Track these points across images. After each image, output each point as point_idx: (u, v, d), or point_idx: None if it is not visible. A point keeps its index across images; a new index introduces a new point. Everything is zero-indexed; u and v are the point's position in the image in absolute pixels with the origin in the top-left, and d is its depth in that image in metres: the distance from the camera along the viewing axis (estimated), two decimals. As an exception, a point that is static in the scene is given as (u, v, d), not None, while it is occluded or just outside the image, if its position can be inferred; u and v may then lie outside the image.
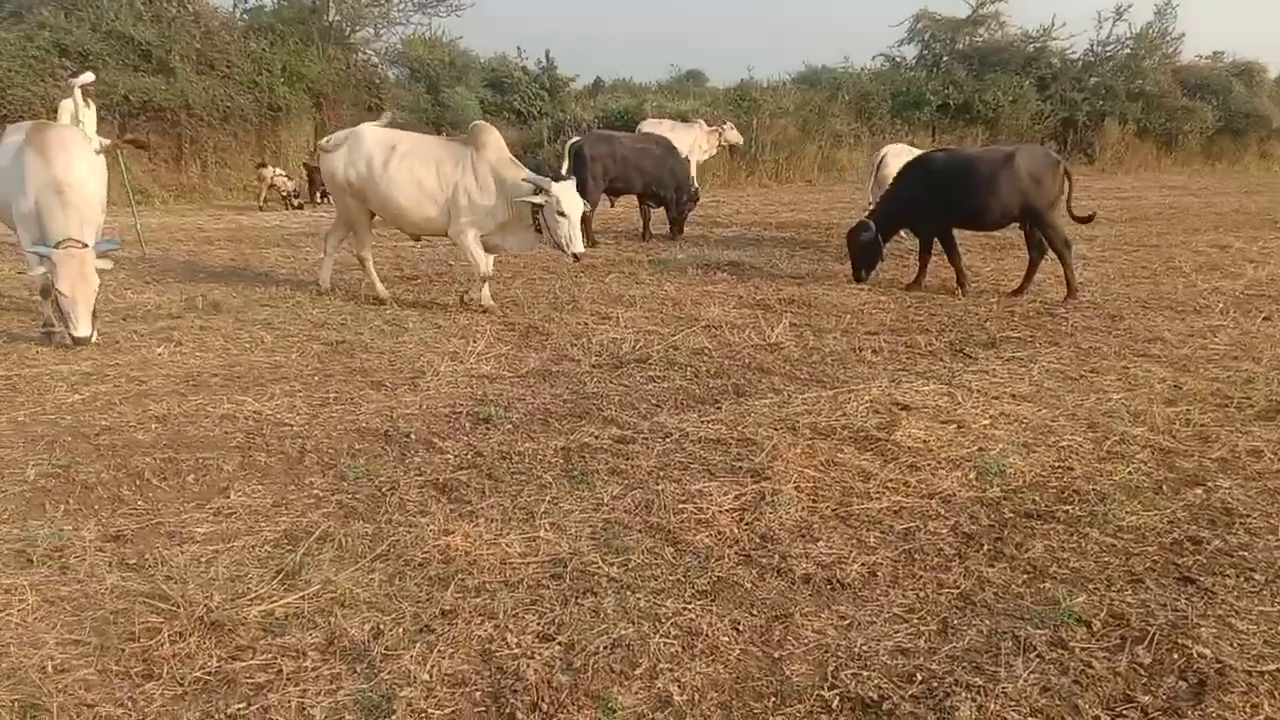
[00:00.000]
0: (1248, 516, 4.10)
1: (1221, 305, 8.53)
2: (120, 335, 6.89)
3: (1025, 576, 3.54)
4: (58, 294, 6.37)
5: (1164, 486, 4.42)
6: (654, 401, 5.65)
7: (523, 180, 7.55)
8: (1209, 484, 4.45)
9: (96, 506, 4.08)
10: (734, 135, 19.01)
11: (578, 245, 7.53)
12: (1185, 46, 31.06)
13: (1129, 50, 29.74)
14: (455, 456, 4.68)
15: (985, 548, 3.77)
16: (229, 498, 4.19)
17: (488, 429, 5.09)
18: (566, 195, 7.39)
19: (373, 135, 8.06)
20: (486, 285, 8.07)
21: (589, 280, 9.57)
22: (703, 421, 5.26)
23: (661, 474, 4.48)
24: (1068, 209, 8.87)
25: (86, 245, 6.41)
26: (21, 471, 4.39)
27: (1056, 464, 4.68)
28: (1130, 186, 17.50)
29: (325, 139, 8.50)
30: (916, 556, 3.71)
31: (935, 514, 4.10)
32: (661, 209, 12.90)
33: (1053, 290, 9.23)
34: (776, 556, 3.67)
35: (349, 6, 21.12)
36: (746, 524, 3.97)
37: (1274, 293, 9.16)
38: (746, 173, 22.67)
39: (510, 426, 5.13)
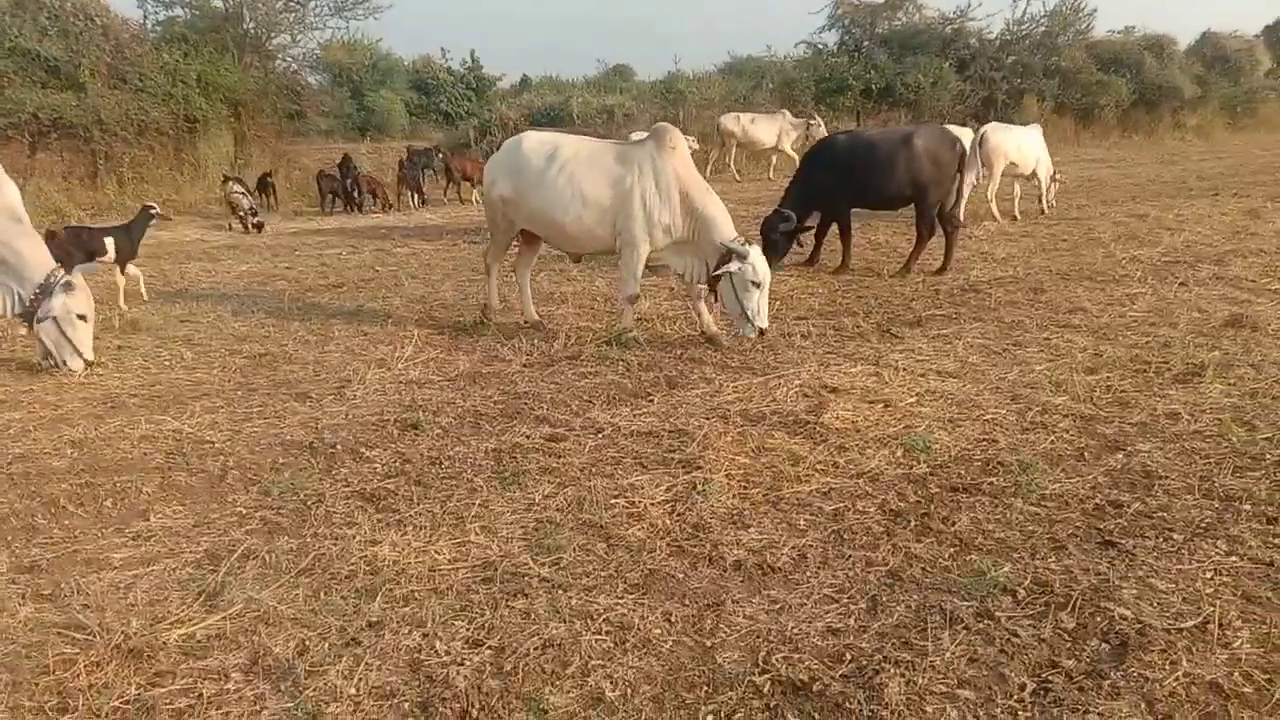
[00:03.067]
0: (1166, 478, 4.21)
1: (1139, 273, 8.75)
2: (35, 359, 6.66)
3: (952, 550, 3.59)
4: (73, 321, 6.24)
5: (1085, 453, 4.52)
6: (586, 398, 5.62)
7: (718, 243, 6.60)
8: (1129, 449, 4.56)
9: (9, 537, 3.93)
10: (820, 131, 19.04)
11: (764, 319, 6.55)
12: (1098, 22, 31.94)
13: (1044, 28, 30.52)
14: (383, 465, 4.60)
15: (912, 524, 3.82)
16: (148, 520, 4.07)
17: (416, 435, 5.01)
18: (762, 263, 6.52)
19: (531, 141, 7.17)
20: (633, 310, 7.07)
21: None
22: (635, 415, 5.25)
23: (594, 470, 4.46)
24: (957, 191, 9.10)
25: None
26: (-73, 507, 4.22)
27: (981, 437, 4.76)
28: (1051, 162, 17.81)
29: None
30: (845, 537, 3.74)
31: (863, 493, 4.14)
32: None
33: (976, 267, 9.40)
34: (708, 545, 3.68)
35: (263, 14, 20.68)
36: (678, 515, 3.97)
37: (1189, 259, 9.43)
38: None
39: (439, 431, 5.06)
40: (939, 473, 4.34)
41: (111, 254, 8.34)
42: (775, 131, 19.58)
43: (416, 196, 17.31)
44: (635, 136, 7.75)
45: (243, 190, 14.34)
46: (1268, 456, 4.39)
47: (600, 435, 4.92)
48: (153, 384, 6.14)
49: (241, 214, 14.07)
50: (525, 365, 6.37)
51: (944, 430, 4.86)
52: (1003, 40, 30.47)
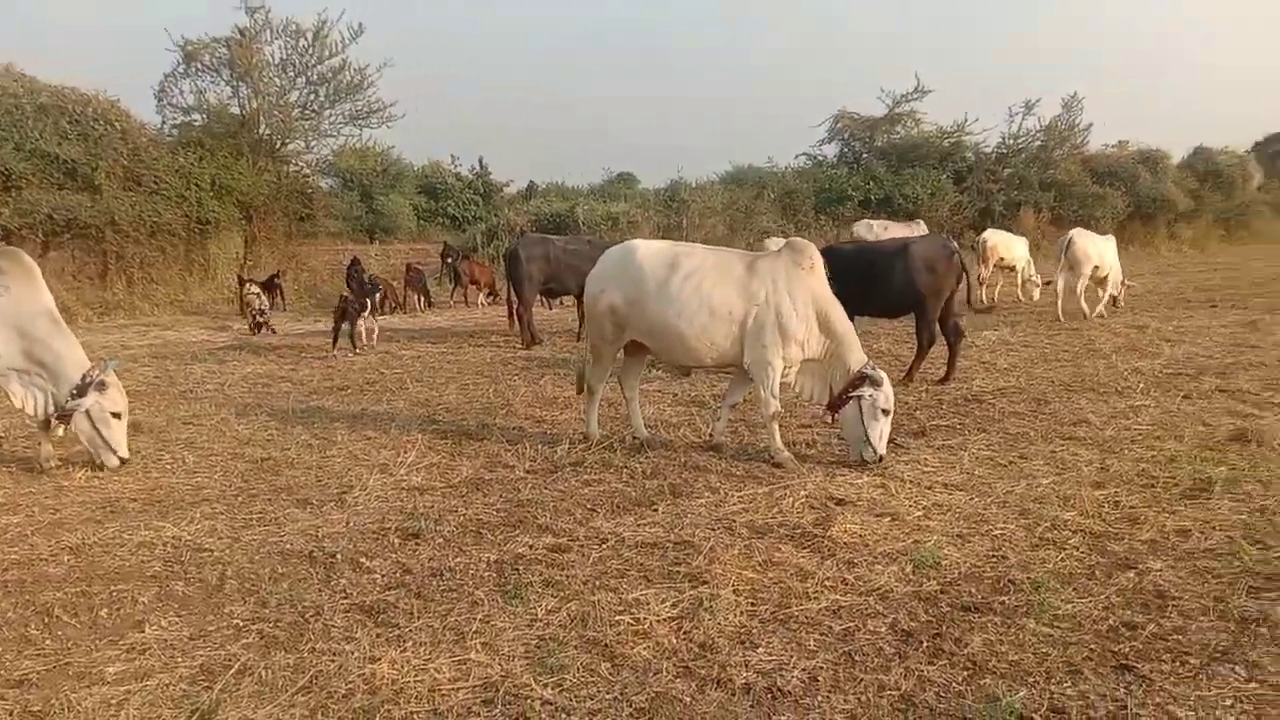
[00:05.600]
0: (1180, 598, 4.13)
1: (1142, 385, 8.77)
2: (37, 461, 6.63)
3: (965, 674, 3.50)
4: (107, 420, 6.37)
5: (1096, 571, 4.45)
6: (590, 506, 5.57)
7: (850, 366, 6.44)
8: (1140, 566, 4.49)
9: (1, 649, 3.85)
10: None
11: (884, 447, 6.35)
12: (1092, 137, 32.81)
13: (1039, 142, 31.36)
14: (383, 576, 4.53)
15: (924, 645, 3.73)
16: (144, 632, 3.99)
17: (417, 544, 4.95)
18: (890, 390, 6.39)
19: (647, 249, 6.83)
20: (778, 431, 6.63)
21: (523, 383, 9.54)
22: (639, 525, 5.19)
23: (598, 583, 4.39)
24: (968, 300, 9.20)
25: None
26: (-82, 615, 4.14)
27: (991, 553, 4.69)
28: (1048, 271, 18.09)
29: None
30: (857, 658, 3.65)
31: (874, 612, 4.06)
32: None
33: (979, 377, 9.42)
34: (716, 666, 3.58)
35: (279, 120, 21.28)
36: (685, 633, 3.88)
37: (1191, 371, 9.46)
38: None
39: (441, 540, 5.00)
40: (949, 590, 4.26)
41: None
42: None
43: (423, 299, 17.51)
44: (771, 245, 7.38)
45: (258, 292, 14.57)
46: (1282, 577, 4.32)
47: (604, 546, 4.86)
48: (153, 488, 6.10)
49: (253, 313, 14.24)
50: (529, 471, 6.33)
51: (953, 545, 4.79)
52: (999, 153, 31.29)
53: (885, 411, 6.28)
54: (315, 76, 21.37)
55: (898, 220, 21.45)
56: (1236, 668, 3.51)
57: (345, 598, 4.31)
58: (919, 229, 20.11)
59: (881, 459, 6.30)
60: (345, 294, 13.09)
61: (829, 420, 6.69)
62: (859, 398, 6.30)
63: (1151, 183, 32.31)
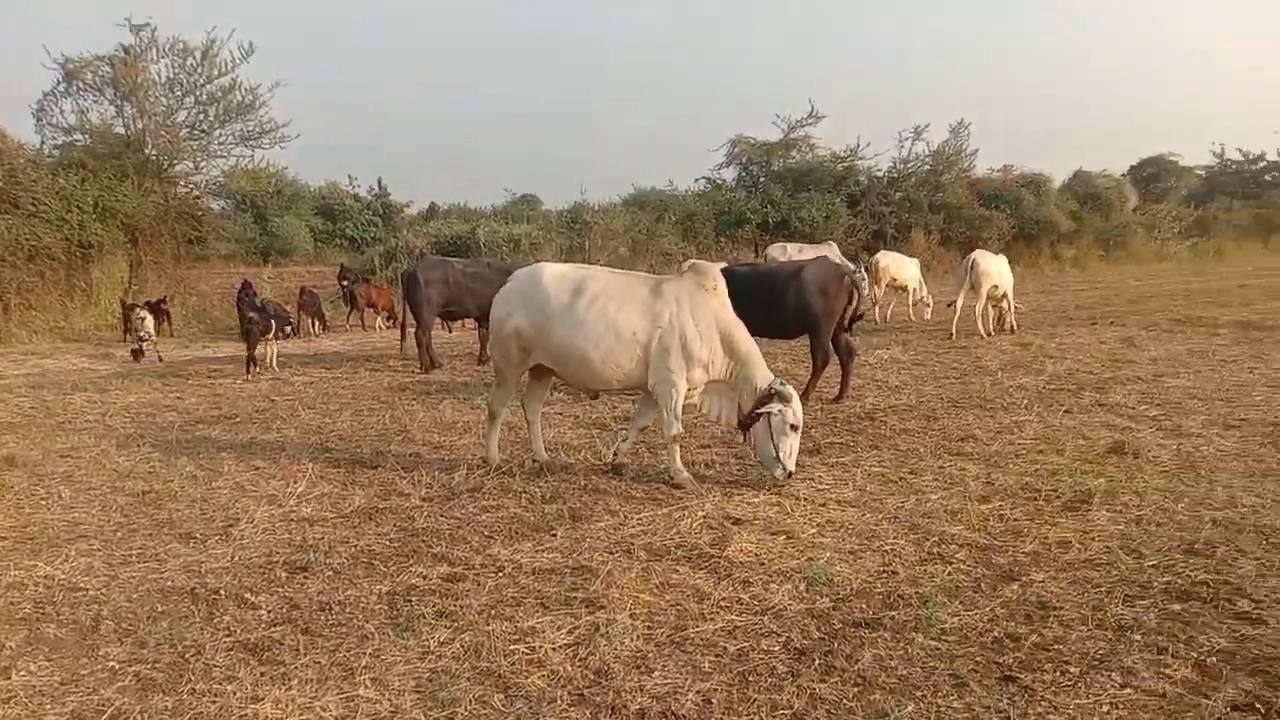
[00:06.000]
0: (1060, 609, 4.28)
1: (1026, 401, 9.11)
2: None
3: (855, 690, 3.56)
4: None
5: (982, 584, 4.59)
6: (487, 533, 5.50)
7: (757, 385, 6.49)
8: (1023, 578, 4.64)
9: None
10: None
11: (794, 463, 6.41)
12: (978, 161, 34.11)
13: (929, 166, 32.43)
14: (268, 612, 4.38)
15: (817, 662, 3.78)
16: (9, 679, 3.76)
17: (306, 578, 4.80)
18: (799, 405, 6.44)
19: (552, 272, 6.82)
20: (679, 449, 6.65)
21: (421, 408, 9.39)
22: (537, 551, 5.15)
23: (493, 612, 4.32)
24: (843, 320, 9.45)
25: None
26: None
27: (881, 569, 4.79)
28: (937, 292, 18.73)
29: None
30: (750, 679, 3.67)
31: (768, 631, 4.09)
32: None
33: (871, 395, 9.65)
34: (611, 693, 3.56)
35: (166, 141, 20.57)
36: (580, 660, 3.85)
37: (1072, 386, 9.87)
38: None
39: (331, 573, 4.86)
40: (841, 607, 4.33)
41: None
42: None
43: (318, 323, 17.11)
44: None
45: (144, 315, 14.09)
46: (1155, 584, 4.52)
47: (501, 574, 4.80)
48: (25, 525, 5.79)
49: (136, 337, 13.76)
50: (424, 499, 6.22)
51: (845, 562, 4.88)
52: (890, 177, 32.25)
53: (794, 427, 6.33)
54: (204, 96, 20.70)
55: (812, 244, 21.83)
56: (1113, 675, 3.65)
57: (228, 635, 4.15)
58: (832, 251, 20.55)
59: (791, 475, 6.36)
60: (252, 315, 12.78)
61: (742, 440, 6.72)
62: (768, 414, 6.35)
63: (1035, 205, 33.69)
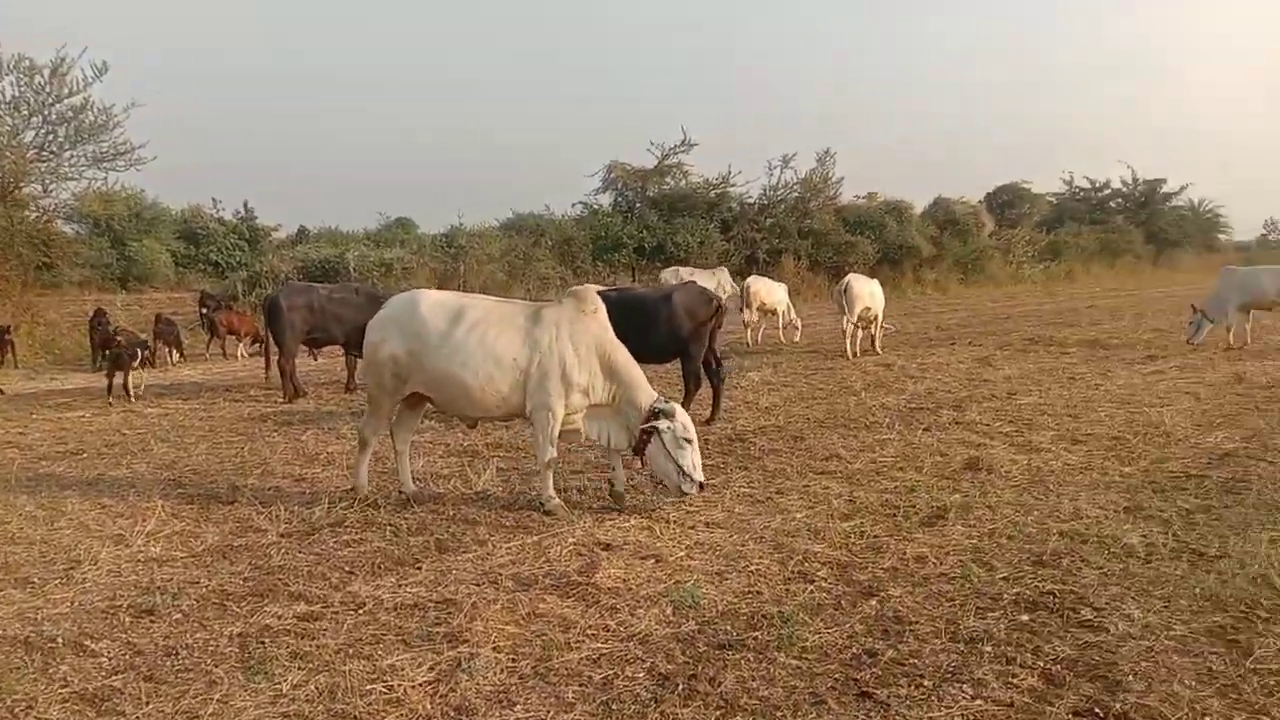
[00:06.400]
0: (916, 623, 4.40)
1: (888, 420, 9.40)
2: None
3: (719, 713, 3.57)
4: None
5: (843, 601, 4.68)
6: (348, 569, 5.32)
7: (641, 405, 6.39)
8: (882, 594, 4.76)
9: None
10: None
11: (700, 473, 6.30)
12: (844, 189, 35.32)
13: (797, 194, 33.40)
14: (109, 659, 4.12)
15: (680, 687, 3.78)
16: None
17: (152, 621, 4.54)
18: (689, 420, 6.37)
19: (431, 300, 6.70)
20: (551, 475, 6.55)
21: (283, 440, 9.05)
22: (400, 585, 5.01)
23: (350, 651, 4.17)
24: (713, 342, 9.63)
25: None
26: None
27: (746, 589, 4.84)
28: (807, 315, 19.26)
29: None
30: (614, 707, 3.64)
31: (633, 657, 4.08)
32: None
33: (742, 417, 9.80)
34: (470, 729, 3.48)
35: (11, 162, 19.41)
36: (441, 696, 3.75)
37: (931, 405, 10.24)
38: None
39: (179, 616, 4.61)
40: (706, 630, 4.35)
41: None
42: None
43: (175, 352, 16.35)
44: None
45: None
46: (1005, 596, 4.71)
47: (360, 611, 4.64)
48: None
49: None
50: (283, 535, 5.98)
51: (711, 584, 4.91)
52: (761, 204, 33.11)
53: (688, 440, 6.26)
54: (54, 116, 19.67)
55: (705, 268, 22.19)
56: (964, 686, 3.77)
57: (64, 686, 3.89)
58: (723, 276, 20.93)
59: (703, 488, 6.33)
60: (120, 340, 12.19)
61: (641, 463, 6.62)
62: (656, 432, 6.31)
63: (898, 230, 35.07)
